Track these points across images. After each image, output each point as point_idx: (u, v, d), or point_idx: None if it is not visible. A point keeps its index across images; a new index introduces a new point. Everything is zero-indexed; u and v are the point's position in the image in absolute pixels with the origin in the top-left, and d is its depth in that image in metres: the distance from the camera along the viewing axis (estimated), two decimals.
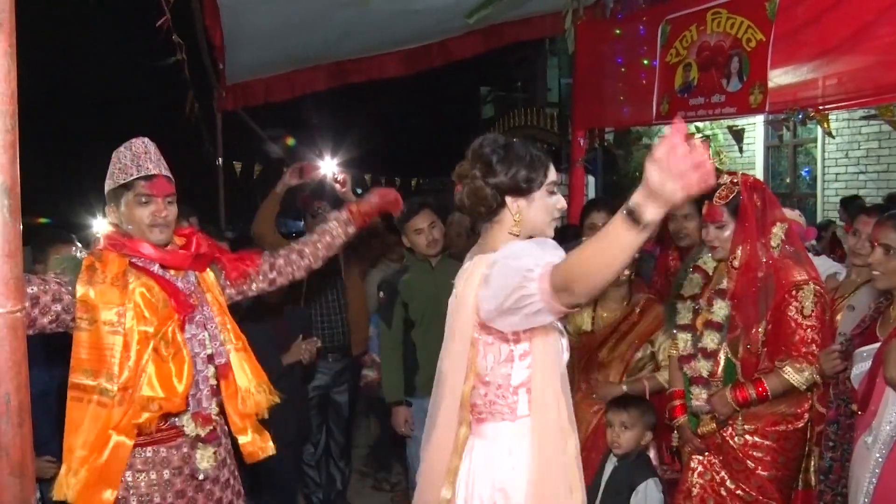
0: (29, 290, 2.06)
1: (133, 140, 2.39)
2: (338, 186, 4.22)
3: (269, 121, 7.44)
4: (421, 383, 3.49)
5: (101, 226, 4.95)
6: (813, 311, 2.58)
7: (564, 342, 2.01)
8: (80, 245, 2.95)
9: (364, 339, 4.52)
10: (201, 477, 2.37)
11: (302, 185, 4.52)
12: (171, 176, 2.37)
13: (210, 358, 2.40)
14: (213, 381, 2.40)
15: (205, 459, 2.36)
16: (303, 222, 4.61)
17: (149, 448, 2.30)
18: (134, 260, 2.31)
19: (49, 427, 3.21)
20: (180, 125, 6.41)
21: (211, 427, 2.38)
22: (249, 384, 2.42)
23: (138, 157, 2.33)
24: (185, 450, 2.35)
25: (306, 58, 6.40)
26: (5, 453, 1.02)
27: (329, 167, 5.03)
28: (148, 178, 2.31)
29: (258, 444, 2.47)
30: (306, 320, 4.08)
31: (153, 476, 2.31)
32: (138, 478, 2.29)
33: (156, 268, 2.35)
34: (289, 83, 6.69)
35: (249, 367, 2.45)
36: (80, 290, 2.21)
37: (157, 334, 2.25)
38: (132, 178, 2.30)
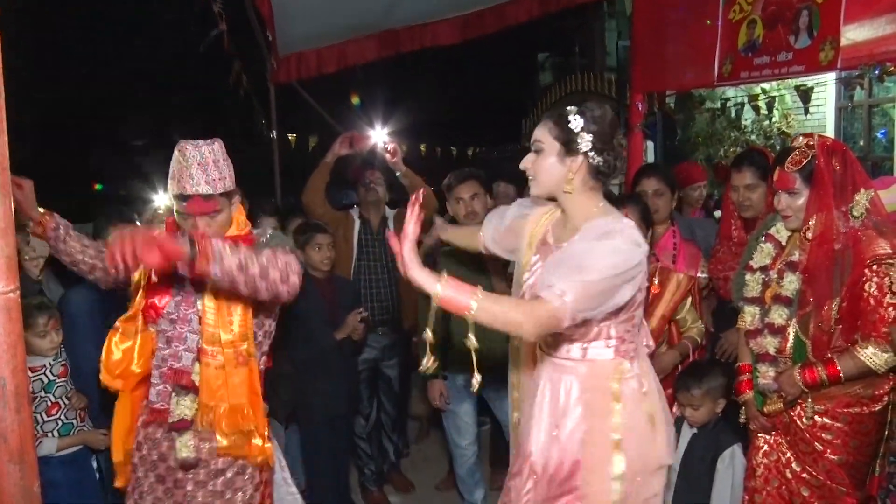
0: None
1: (189, 146, 2.26)
2: (388, 156, 4.17)
3: (322, 92, 7.38)
4: (454, 358, 3.40)
5: (161, 200, 4.98)
6: None
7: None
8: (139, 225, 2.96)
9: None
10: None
11: (353, 156, 4.47)
12: (212, 191, 2.25)
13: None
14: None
15: (183, 448, 2.34)
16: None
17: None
18: None
19: (98, 402, 3.28)
20: (236, 98, 6.42)
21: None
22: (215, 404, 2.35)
23: (182, 169, 2.24)
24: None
25: (357, 27, 6.30)
26: (3, 440, 0.98)
27: (380, 137, 4.97)
28: (185, 197, 2.25)
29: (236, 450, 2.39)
30: (354, 294, 4.03)
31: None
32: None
33: None
34: (341, 54, 6.56)
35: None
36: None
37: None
38: (173, 193, 2.28)
